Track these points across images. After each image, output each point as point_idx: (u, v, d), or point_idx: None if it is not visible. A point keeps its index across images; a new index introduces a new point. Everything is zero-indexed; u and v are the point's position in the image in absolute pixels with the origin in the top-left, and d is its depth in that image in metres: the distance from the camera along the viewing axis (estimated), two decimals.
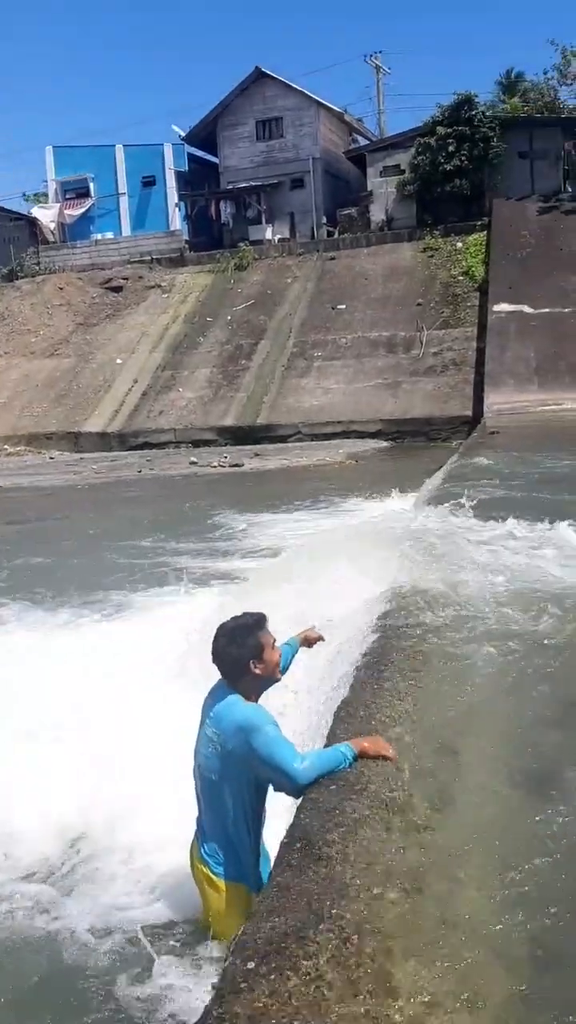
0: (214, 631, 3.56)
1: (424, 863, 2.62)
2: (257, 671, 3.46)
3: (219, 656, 3.50)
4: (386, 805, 2.91)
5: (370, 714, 3.62)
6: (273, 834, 3.17)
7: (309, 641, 4.24)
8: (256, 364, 29.19)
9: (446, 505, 7.81)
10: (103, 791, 4.76)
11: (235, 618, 3.62)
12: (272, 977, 2.10)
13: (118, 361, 31.28)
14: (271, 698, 3.70)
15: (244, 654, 3.45)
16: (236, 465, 21.33)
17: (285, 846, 2.74)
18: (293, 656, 4.09)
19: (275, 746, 3.21)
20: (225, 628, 3.56)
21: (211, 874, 3.49)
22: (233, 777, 3.37)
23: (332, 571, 5.64)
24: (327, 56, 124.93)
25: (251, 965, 2.15)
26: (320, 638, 4.32)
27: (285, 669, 3.90)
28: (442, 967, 2.20)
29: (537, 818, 2.91)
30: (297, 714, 4.63)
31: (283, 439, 25.80)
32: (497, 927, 2.38)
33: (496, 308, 26.56)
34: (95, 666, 6.19)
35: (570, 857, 2.67)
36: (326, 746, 3.38)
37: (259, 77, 36.65)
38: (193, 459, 22.77)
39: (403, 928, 2.32)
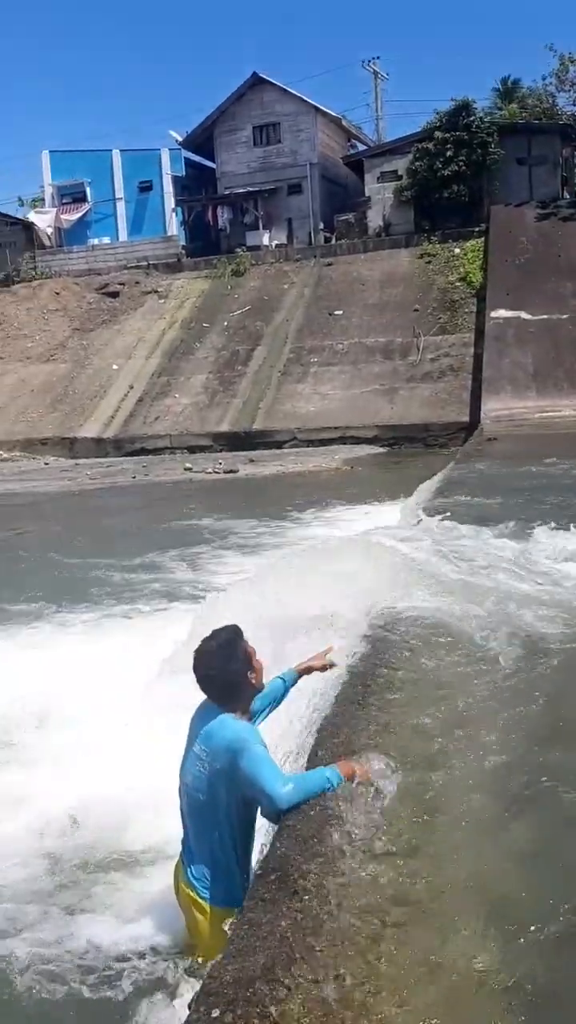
0: (193, 658, 3.40)
1: (405, 897, 2.48)
2: (253, 681, 3.38)
3: (212, 677, 3.34)
4: (367, 833, 2.77)
5: (353, 734, 3.48)
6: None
7: (313, 670, 3.92)
8: (252, 370, 29.08)
9: (438, 517, 7.67)
10: (85, 808, 4.61)
11: (213, 637, 3.46)
12: None
13: (114, 367, 31.16)
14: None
15: (240, 667, 3.34)
16: (231, 471, 21.19)
17: (259, 878, 2.61)
18: (286, 691, 3.83)
19: (260, 767, 3.10)
20: (211, 647, 3.40)
21: (198, 898, 3.35)
22: (222, 797, 3.25)
23: (306, 592, 5.39)
24: (325, 62, 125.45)
25: (216, 1013, 2.01)
26: (329, 665, 3.96)
27: (276, 703, 3.75)
28: (425, 1013, 2.05)
29: (521, 843, 2.78)
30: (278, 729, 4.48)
31: (279, 445, 25.66)
32: (484, 967, 2.24)
33: (494, 314, 26.47)
34: None
35: (555, 886, 2.54)
36: (307, 768, 3.24)
37: (257, 83, 36.60)
38: (188, 465, 22.63)
39: (383, 970, 2.18)
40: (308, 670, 3.90)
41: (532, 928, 2.37)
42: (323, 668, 3.92)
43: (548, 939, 2.33)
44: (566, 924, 2.38)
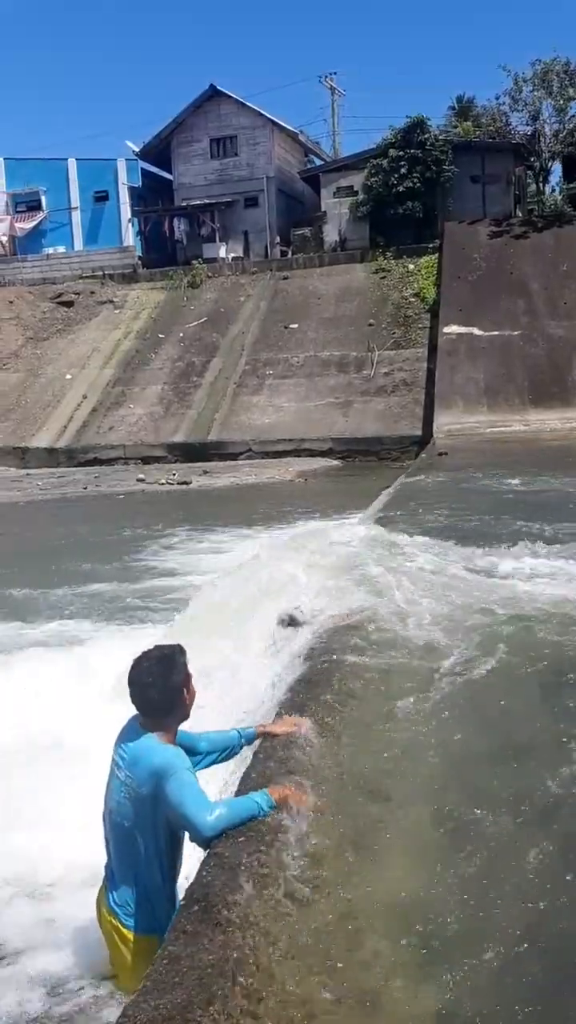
0: (131, 668, 3.30)
1: (335, 928, 2.41)
2: (186, 700, 3.26)
3: (148, 690, 3.20)
4: (300, 861, 2.69)
5: (289, 754, 3.40)
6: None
7: (275, 735, 3.60)
8: (208, 381, 29.00)
9: (384, 528, 7.66)
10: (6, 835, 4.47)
11: (156, 649, 3.37)
12: None
13: (68, 376, 30.85)
14: None
15: (178, 682, 3.23)
16: (184, 483, 21.07)
17: (182, 908, 2.51)
18: (239, 747, 3.58)
19: (185, 793, 2.99)
20: (150, 659, 3.29)
21: (120, 925, 3.23)
22: (147, 823, 3.13)
23: (249, 614, 5.31)
24: (283, 76, 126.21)
25: None
26: (292, 734, 3.61)
27: (225, 756, 3.56)
28: None
29: (459, 871, 2.73)
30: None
31: (234, 456, 25.61)
32: (418, 1002, 2.17)
33: (447, 330, 26.76)
34: None
35: (491, 916, 2.49)
36: (238, 792, 3.16)
37: (214, 95, 36.67)
38: (140, 476, 22.45)
39: (309, 1008, 2.10)
40: (270, 734, 3.62)
41: (468, 959, 2.32)
42: (287, 735, 3.59)
43: (482, 971, 2.28)
44: (499, 956, 2.33)
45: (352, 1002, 2.15)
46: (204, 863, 2.75)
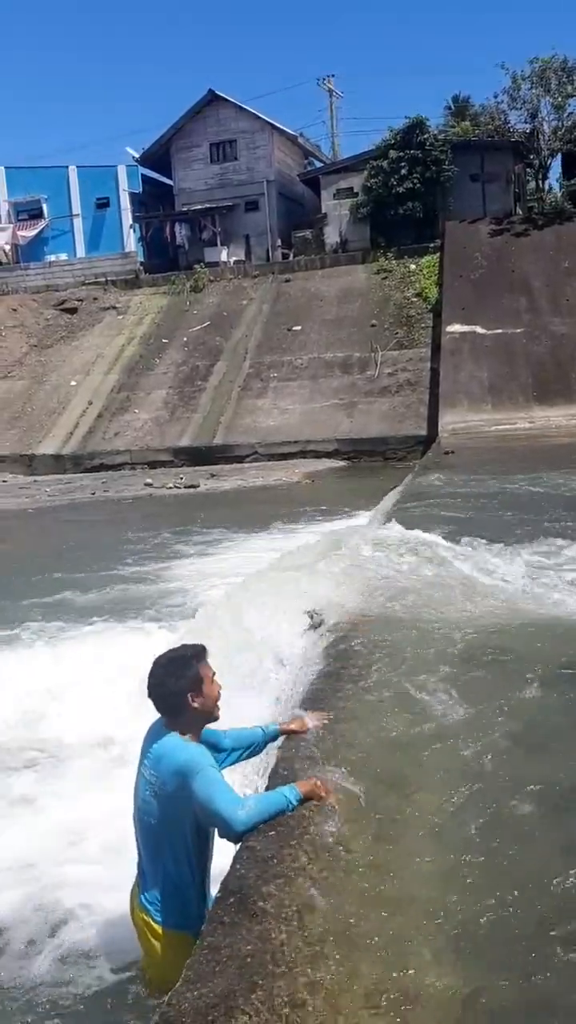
0: (151, 665, 3.38)
1: (367, 918, 2.46)
2: (195, 705, 3.28)
3: (155, 690, 3.31)
4: (329, 852, 2.75)
5: (314, 749, 3.45)
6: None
7: (291, 732, 3.73)
8: (212, 385, 29.07)
9: (398, 527, 7.70)
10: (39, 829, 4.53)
11: (172, 649, 3.46)
12: None
13: (72, 383, 30.93)
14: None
15: (182, 686, 3.26)
16: (191, 486, 21.12)
17: (218, 901, 2.57)
18: (264, 744, 3.67)
19: (214, 790, 3.04)
20: (161, 660, 3.38)
21: (152, 922, 3.29)
22: (174, 821, 3.19)
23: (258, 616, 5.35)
24: (281, 80, 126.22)
25: None
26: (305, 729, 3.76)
27: (251, 752, 3.64)
28: None
29: (487, 863, 2.77)
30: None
31: (240, 459, 25.65)
32: (449, 992, 2.22)
33: (449, 329, 26.79)
34: None
35: (520, 908, 2.53)
36: (268, 786, 3.21)
37: (213, 99, 36.75)
38: (148, 480, 22.51)
39: (346, 995, 2.15)
40: (289, 731, 3.72)
41: (495, 951, 2.37)
42: (302, 731, 3.72)
43: (511, 962, 2.32)
44: (529, 946, 2.38)
45: (389, 990, 2.20)
46: (237, 856, 2.81)
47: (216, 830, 3.15)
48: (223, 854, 3.27)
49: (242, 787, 3.75)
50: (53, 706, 6.18)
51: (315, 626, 4.90)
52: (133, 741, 3.54)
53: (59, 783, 5.35)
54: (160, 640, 5.93)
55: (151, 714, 3.35)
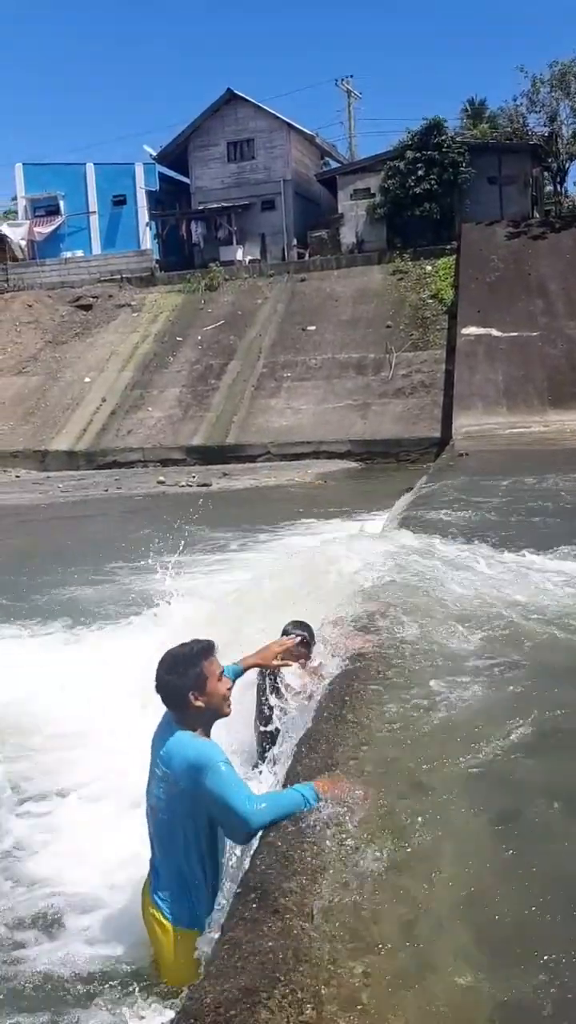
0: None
1: (389, 915, 2.44)
2: (199, 703, 3.25)
3: (160, 686, 3.31)
4: (349, 850, 2.73)
5: (332, 748, 3.43)
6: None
7: (269, 660, 4.00)
8: (226, 384, 29.08)
9: (411, 530, 7.67)
10: (51, 829, 4.53)
11: (180, 645, 3.41)
12: None
13: (87, 379, 31.00)
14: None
15: (185, 684, 3.24)
16: (204, 485, 21.14)
17: (238, 896, 2.55)
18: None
19: (228, 786, 3.01)
20: (166, 657, 3.36)
21: (162, 919, 3.28)
22: (187, 817, 3.17)
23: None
24: (299, 80, 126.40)
25: None
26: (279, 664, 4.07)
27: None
28: None
29: (509, 860, 2.75)
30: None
31: (252, 459, 25.66)
32: (471, 988, 2.20)
33: (465, 331, 26.72)
34: None
35: (543, 904, 2.51)
36: (285, 785, 3.18)
37: (231, 98, 36.81)
38: (161, 478, 22.54)
39: (367, 991, 2.13)
40: (263, 659, 4.01)
41: (519, 948, 2.35)
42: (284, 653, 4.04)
43: (535, 962, 2.30)
44: (555, 946, 2.35)
45: (411, 989, 2.18)
46: (256, 854, 2.79)
47: (223, 830, 3.14)
48: (232, 854, 3.26)
49: (258, 785, 3.73)
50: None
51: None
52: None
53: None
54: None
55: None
